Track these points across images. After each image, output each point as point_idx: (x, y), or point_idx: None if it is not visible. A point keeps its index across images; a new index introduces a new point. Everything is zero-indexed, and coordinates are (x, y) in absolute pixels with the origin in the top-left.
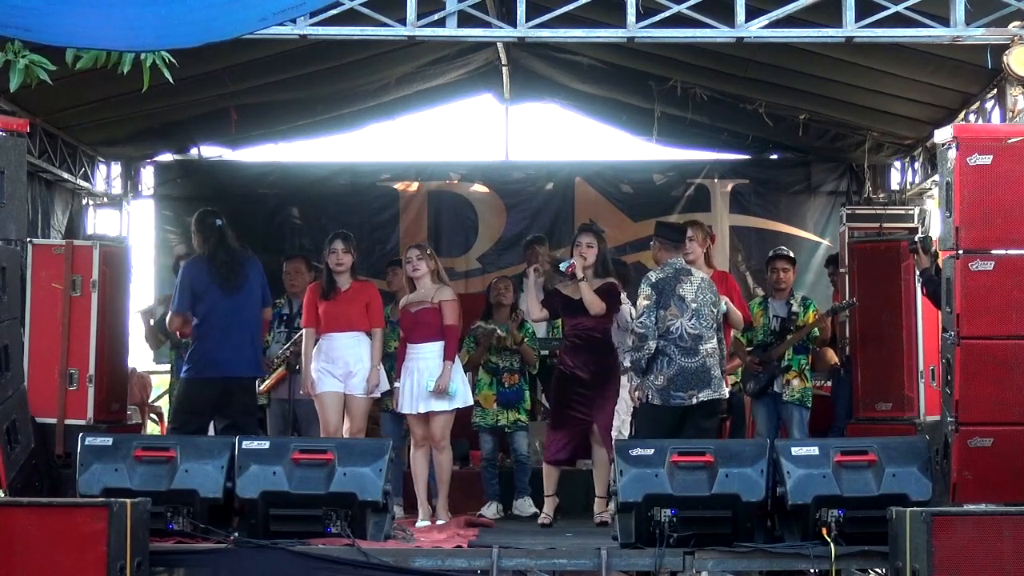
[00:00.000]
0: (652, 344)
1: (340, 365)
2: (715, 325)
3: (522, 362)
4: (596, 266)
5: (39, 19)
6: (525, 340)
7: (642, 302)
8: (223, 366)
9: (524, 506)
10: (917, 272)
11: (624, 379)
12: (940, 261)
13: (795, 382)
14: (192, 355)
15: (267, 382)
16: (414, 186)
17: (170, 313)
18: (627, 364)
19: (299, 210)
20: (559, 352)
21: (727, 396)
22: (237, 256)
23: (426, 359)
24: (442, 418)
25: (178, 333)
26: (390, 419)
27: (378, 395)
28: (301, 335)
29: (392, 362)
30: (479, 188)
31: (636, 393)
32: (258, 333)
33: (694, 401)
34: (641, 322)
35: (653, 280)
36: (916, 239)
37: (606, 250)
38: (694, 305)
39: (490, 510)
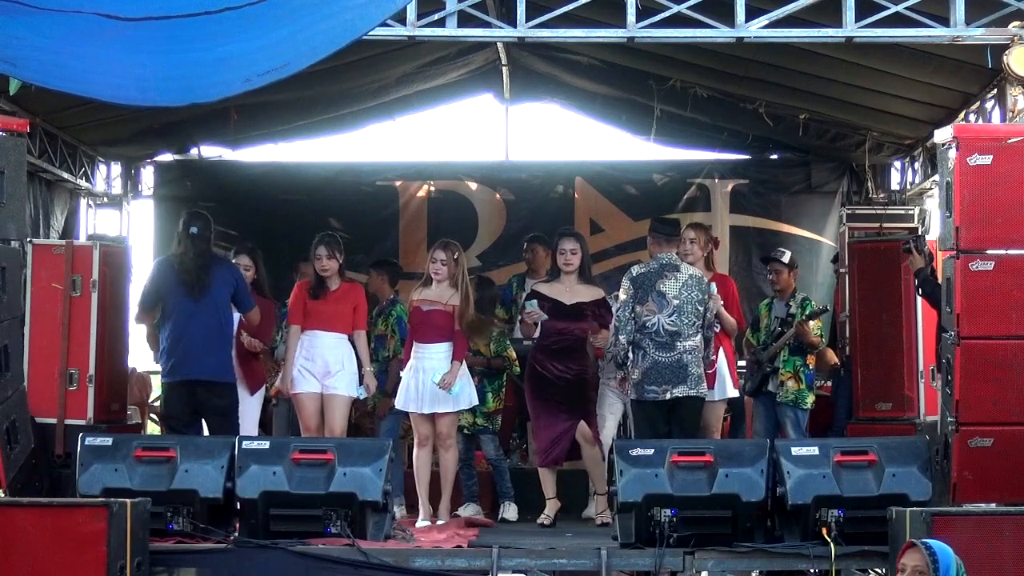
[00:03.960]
0: (623, 339)
1: (320, 364)
2: (699, 323)
3: (486, 365)
4: (582, 269)
5: (25, 53)
6: (491, 352)
7: (620, 296)
8: (187, 370)
9: (505, 511)
10: (915, 274)
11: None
12: (937, 262)
13: (789, 383)
14: (161, 358)
15: (276, 385)
16: (414, 185)
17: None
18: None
19: (299, 210)
20: (533, 353)
21: (704, 396)
22: (204, 263)
23: (432, 359)
24: (449, 418)
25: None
26: (388, 419)
27: (361, 395)
28: None
29: (382, 365)
30: (479, 187)
31: (624, 385)
32: (226, 337)
33: (668, 396)
34: (617, 316)
35: (634, 275)
36: (910, 239)
37: (587, 252)
38: (676, 302)
39: (467, 511)
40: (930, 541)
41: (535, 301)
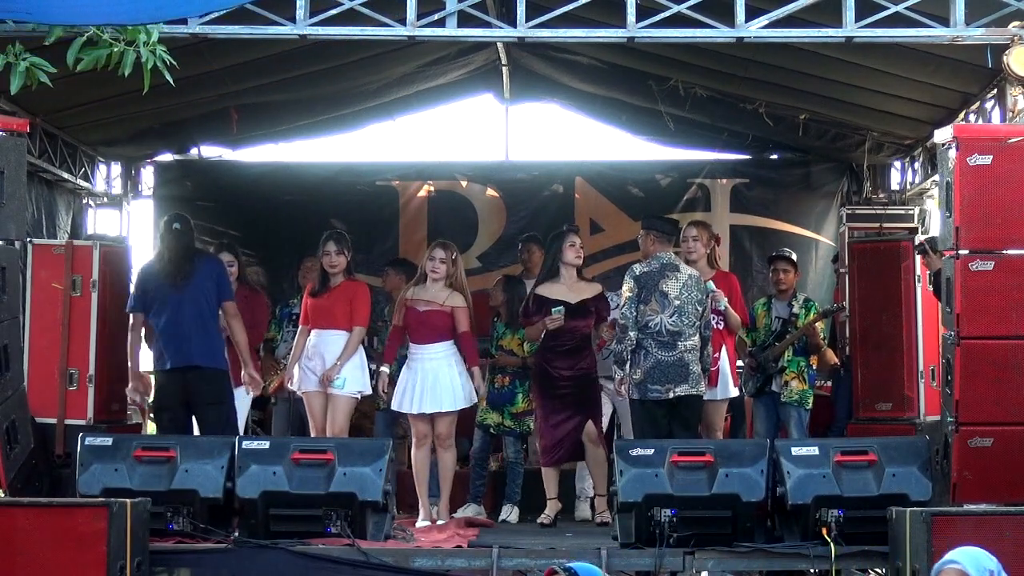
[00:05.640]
0: (633, 335)
1: (318, 362)
2: (698, 323)
3: (521, 364)
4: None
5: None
6: (525, 352)
7: (624, 294)
8: (177, 357)
9: (506, 513)
10: (928, 273)
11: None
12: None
13: (794, 383)
14: (153, 353)
15: (274, 383)
16: (414, 185)
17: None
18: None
19: (299, 210)
20: (541, 353)
21: (703, 393)
22: (187, 255)
23: (431, 359)
24: (447, 418)
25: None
26: (383, 417)
27: (358, 396)
28: None
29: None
30: (479, 188)
31: (621, 387)
32: (212, 324)
33: (671, 395)
34: (623, 314)
35: (637, 273)
36: (924, 240)
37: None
38: (677, 302)
39: (466, 512)
40: (574, 564)
41: (562, 308)
